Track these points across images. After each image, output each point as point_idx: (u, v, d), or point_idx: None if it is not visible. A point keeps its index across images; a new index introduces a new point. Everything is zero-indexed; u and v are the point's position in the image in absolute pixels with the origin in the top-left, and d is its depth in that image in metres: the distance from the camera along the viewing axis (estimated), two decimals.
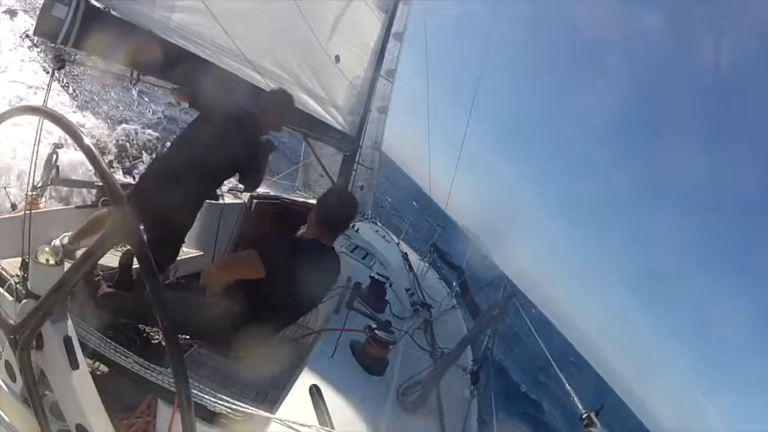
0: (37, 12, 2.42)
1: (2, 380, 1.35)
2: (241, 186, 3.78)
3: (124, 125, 9.37)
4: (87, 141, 0.96)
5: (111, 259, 2.90)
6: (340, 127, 5.25)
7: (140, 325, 2.42)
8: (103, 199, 3.17)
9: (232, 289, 2.19)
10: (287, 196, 5.39)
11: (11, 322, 1.11)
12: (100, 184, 2.96)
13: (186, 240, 3.36)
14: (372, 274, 3.30)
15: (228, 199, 4.23)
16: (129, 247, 2.71)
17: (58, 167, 3.07)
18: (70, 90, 9.23)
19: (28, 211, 2.33)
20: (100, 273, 2.45)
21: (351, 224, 2.44)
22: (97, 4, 2.47)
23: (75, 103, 9.06)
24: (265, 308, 2.21)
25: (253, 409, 1.54)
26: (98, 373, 1.87)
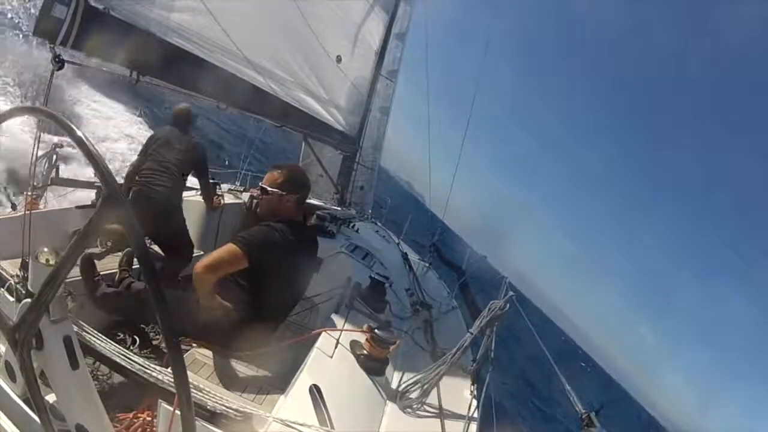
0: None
1: (2, 381, 1.35)
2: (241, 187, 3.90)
3: None
4: (87, 141, 0.96)
5: (111, 260, 2.91)
6: (340, 128, 5.24)
7: (140, 325, 2.43)
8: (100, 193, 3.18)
9: (225, 286, 2.19)
10: None
11: (11, 322, 1.11)
12: (100, 184, 2.97)
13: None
14: (372, 274, 3.30)
15: (228, 199, 4.24)
16: (129, 248, 2.72)
17: (58, 167, 3.08)
18: None
19: (28, 211, 2.33)
20: (100, 273, 2.45)
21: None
22: (97, 5, 2.47)
23: None
24: (261, 299, 2.21)
25: (253, 409, 1.53)
26: (98, 373, 1.87)
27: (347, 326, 2.40)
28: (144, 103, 11.37)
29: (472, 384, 2.60)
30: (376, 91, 6.03)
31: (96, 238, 2.88)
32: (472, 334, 2.38)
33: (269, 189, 2.33)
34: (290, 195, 2.33)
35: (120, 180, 3.46)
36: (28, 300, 1.13)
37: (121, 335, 2.24)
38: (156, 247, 3.46)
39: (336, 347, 2.19)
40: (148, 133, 9.69)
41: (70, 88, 9.05)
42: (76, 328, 1.35)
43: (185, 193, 3.67)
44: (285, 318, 2.50)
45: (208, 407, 1.48)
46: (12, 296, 1.22)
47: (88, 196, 3.46)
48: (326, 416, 1.64)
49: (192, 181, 3.71)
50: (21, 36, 9.70)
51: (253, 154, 6.45)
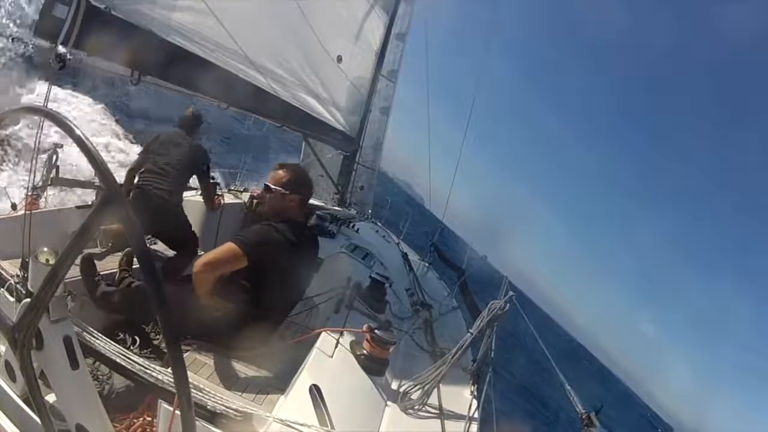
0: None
1: (2, 381, 1.35)
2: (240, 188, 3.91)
3: None
4: (87, 141, 0.96)
5: (111, 260, 2.91)
6: (340, 128, 5.24)
7: (140, 325, 2.43)
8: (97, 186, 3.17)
9: (225, 286, 2.19)
10: None
11: (10, 322, 1.11)
12: (100, 185, 2.96)
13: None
14: (372, 274, 3.29)
15: (228, 199, 4.24)
16: (129, 248, 2.72)
17: (58, 167, 3.07)
18: None
19: (28, 211, 2.33)
20: (100, 273, 2.45)
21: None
22: (98, 4, 2.46)
23: None
24: (261, 299, 2.21)
25: (253, 409, 1.53)
26: (98, 373, 1.87)
27: (347, 326, 2.40)
28: (111, 99, 11.19)
29: (472, 384, 2.60)
30: (377, 91, 6.04)
31: (94, 236, 2.89)
32: (472, 334, 2.38)
33: (273, 187, 2.33)
34: (294, 194, 2.34)
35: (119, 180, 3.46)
36: (28, 300, 1.13)
37: (121, 335, 2.23)
38: (156, 247, 3.46)
39: (336, 347, 2.19)
40: (117, 128, 9.73)
41: (24, 81, 8.89)
42: (76, 328, 1.35)
43: (185, 193, 3.68)
44: (285, 318, 2.50)
45: (208, 407, 1.48)
46: (12, 296, 1.22)
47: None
48: (326, 416, 1.64)
49: (192, 181, 3.71)
50: None
51: (249, 162, 6.46)
